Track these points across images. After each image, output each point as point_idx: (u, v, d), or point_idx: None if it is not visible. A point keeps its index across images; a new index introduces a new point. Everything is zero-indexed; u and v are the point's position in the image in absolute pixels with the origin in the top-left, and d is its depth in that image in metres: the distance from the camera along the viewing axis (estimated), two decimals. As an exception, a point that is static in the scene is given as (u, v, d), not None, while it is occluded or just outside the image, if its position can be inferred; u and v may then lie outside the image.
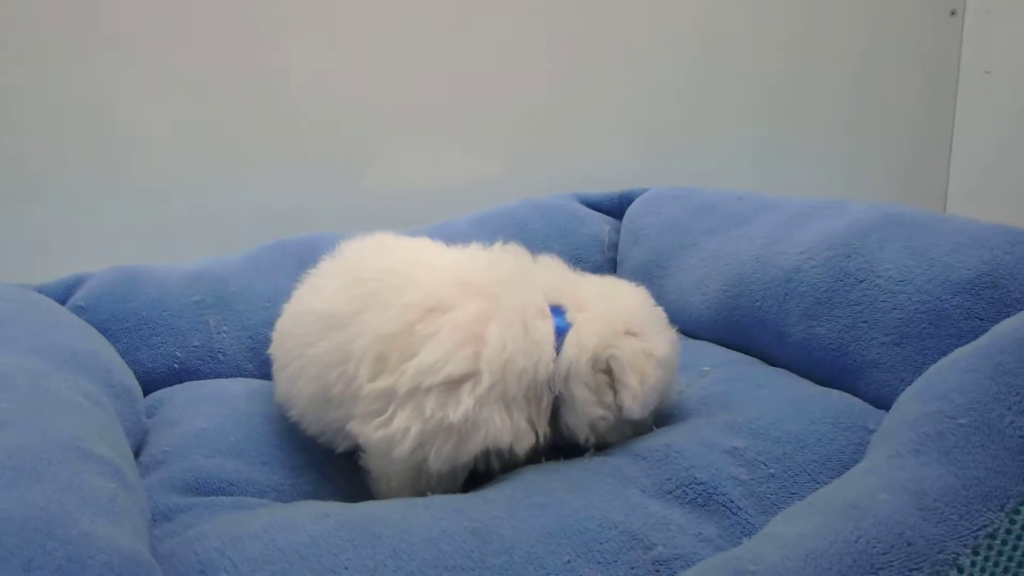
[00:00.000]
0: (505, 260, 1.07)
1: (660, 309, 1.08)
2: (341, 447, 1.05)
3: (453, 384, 0.93)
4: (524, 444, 0.97)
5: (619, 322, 1.00)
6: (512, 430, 0.95)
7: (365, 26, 1.76)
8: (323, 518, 0.85)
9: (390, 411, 0.94)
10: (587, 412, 0.98)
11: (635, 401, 0.96)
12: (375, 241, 1.17)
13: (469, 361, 0.93)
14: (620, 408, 0.98)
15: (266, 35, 1.71)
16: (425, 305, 0.97)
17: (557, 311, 1.01)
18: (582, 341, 0.98)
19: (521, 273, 1.05)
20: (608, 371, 0.98)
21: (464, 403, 0.92)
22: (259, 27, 1.70)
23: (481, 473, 1.00)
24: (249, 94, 1.72)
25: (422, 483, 0.97)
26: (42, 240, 1.66)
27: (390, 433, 0.93)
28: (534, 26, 1.89)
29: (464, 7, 1.82)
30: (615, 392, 0.98)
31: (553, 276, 1.07)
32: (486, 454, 0.97)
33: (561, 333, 0.99)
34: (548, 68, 1.92)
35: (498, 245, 1.09)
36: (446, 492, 0.98)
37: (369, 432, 0.96)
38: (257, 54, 1.71)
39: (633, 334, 0.99)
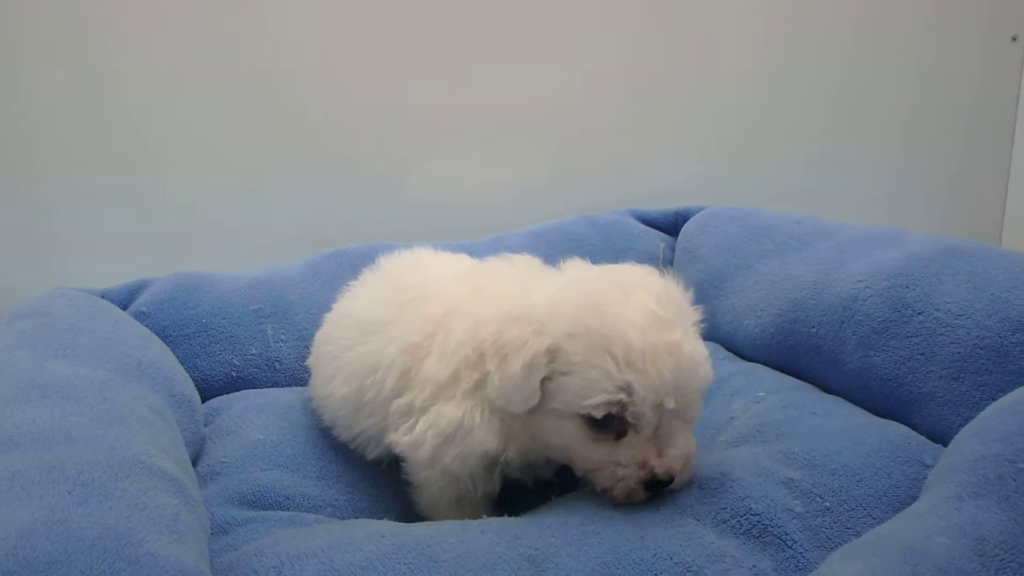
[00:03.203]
0: (516, 260, 1.07)
1: (641, 294, 0.91)
2: (372, 454, 1.09)
3: (446, 390, 0.96)
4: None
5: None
6: (502, 433, 0.94)
7: (413, 31, 1.76)
8: (379, 538, 0.86)
9: (412, 420, 0.99)
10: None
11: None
12: (414, 255, 1.21)
13: (451, 368, 0.96)
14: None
15: (306, 38, 1.71)
16: (441, 317, 1.00)
17: None
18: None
19: (517, 271, 1.05)
20: None
21: (452, 408, 0.95)
22: (298, 30, 1.70)
23: (518, 483, 1.02)
24: (287, 100, 1.73)
25: (460, 487, 0.99)
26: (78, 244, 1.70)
27: (414, 438, 0.97)
28: (588, 33, 1.88)
29: (515, 14, 1.82)
30: None
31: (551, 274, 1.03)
32: (502, 459, 0.97)
33: None
34: (600, 78, 1.91)
35: (518, 256, 1.09)
36: (487, 496, 1.00)
37: (399, 438, 0.99)
38: (296, 59, 1.72)
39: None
